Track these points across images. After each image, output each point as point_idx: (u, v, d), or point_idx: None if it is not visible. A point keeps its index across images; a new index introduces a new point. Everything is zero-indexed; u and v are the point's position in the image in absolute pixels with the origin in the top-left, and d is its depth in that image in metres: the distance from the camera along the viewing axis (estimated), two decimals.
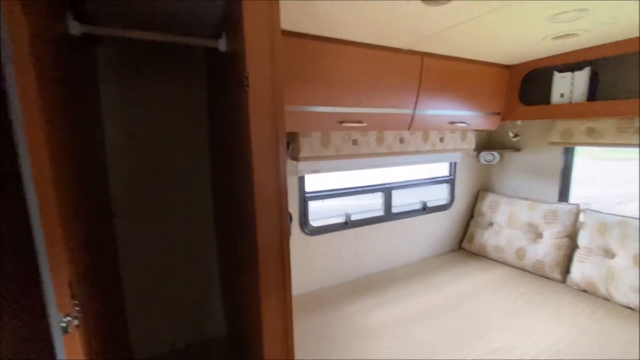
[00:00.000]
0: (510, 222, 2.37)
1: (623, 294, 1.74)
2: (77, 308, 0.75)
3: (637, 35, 1.51)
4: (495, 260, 2.42)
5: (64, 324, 0.70)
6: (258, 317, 1.01)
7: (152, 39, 1.19)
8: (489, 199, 2.60)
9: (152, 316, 1.83)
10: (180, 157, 1.79)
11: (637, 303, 1.68)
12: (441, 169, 2.63)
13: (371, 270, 2.30)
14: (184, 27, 1.41)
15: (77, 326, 0.73)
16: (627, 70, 1.62)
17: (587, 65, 1.74)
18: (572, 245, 2.07)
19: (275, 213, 0.96)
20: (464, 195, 2.68)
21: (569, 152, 2.24)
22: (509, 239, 2.33)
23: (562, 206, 2.15)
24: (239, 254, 1.30)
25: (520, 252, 2.25)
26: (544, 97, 1.95)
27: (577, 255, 1.99)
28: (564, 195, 2.28)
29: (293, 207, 1.93)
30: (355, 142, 1.92)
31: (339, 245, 2.14)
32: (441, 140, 2.27)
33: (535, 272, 2.17)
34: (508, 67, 2.09)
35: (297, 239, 1.97)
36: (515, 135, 2.39)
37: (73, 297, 0.74)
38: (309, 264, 2.04)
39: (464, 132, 2.37)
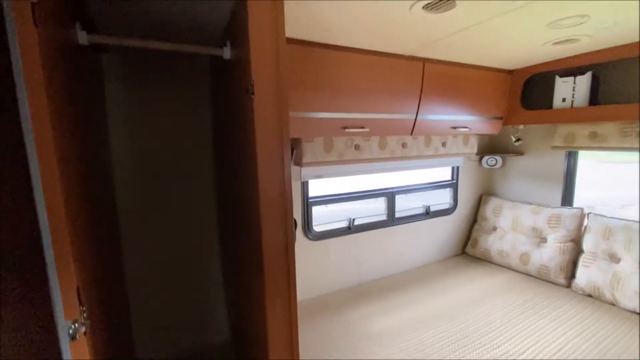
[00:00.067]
0: (514, 226, 2.36)
1: (629, 299, 1.73)
2: (84, 314, 0.76)
3: (638, 40, 1.52)
4: (500, 265, 2.41)
5: (71, 331, 0.70)
6: (263, 323, 1.01)
7: (158, 47, 1.21)
8: (493, 203, 2.59)
9: (155, 320, 1.83)
10: (184, 163, 1.80)
11: None
12: (444, 174, 2.63)
13: (374, 275, 2.29)
14: (189, 36, 1.43)
15: (84, 332, 0.74)
16: (628, 74, 1.63)
17: (588, 70, 1.76)
18: (576, 249, 2.06)
19: (280, 219, 0.96)
20: (466, 199, 2.68)
21: (571, 156, 2.24)
22: (513, 243, 2.32)
23: (566, 210, 2.14)
24: (243, 259, 1.30)
25: (524, 257, 2.24)
26: (546, 101, 1.96)
27: (582, 260, 1.99)
28: (567, 199, 2.28)
29: (296, 213, 1.93)
30: (357, 147, 1.93)
31: (342, 250, 2.13)
32: (443, 144, 2.28)
33: (540, 277, 2.16)
34: (510, 72, 2.10)
35: (300, 244, 1.97)
36: (518, 140, 2.40)
37: (81, 303, 0.75)
38: (312, 269, 2.03)
39: (466, 136, 2.38)
